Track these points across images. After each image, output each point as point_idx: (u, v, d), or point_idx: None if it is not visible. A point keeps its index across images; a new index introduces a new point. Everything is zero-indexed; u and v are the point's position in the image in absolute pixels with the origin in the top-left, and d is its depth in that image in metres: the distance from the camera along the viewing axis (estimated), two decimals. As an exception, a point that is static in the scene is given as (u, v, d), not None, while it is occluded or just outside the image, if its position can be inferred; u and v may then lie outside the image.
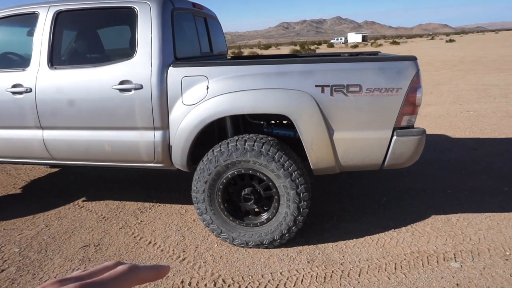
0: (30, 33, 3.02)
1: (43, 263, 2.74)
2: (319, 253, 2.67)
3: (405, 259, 2.53)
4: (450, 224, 2.97)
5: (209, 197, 2.71)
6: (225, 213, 2.73)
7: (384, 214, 3.19)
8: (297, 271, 2.49)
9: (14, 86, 2.96)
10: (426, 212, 3.18)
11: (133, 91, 2.72)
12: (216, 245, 2.86)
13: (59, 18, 2.92)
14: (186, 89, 2.65)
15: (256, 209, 2.76)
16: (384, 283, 2.31)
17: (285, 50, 53.71)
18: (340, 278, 2.38)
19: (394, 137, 2.47)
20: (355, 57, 2.44)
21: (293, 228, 2.65)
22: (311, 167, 2.62)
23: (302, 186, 2.55)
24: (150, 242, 2.97)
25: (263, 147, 2.53)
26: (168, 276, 2.51)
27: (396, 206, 3.33)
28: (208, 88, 2.59)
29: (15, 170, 4.96)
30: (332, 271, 2.46)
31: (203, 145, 3.09)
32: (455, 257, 2.52)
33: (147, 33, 2.72)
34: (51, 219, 3.49)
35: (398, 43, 56.82)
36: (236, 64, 2.57)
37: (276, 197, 2.63)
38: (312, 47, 54.24)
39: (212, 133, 3.10)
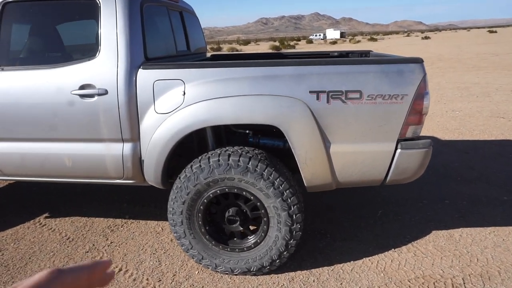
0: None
1: (-10, 302, 2.32)
2: (313, 281, 2.36)
3: (410, 287, 2.26)
4: (454, 242, 2.72)
5: (188, 219, 2.35)
6: (207, 237, 2.38)
7: (382, 231, 2.92)
8: (290, 304, 2.17)
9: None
10: (427, 227, 2.93)
11: (96, 97, 2.32)
12: (197, 272, 2.51)
13: (6, 11, 2.47)
14: (159, 95, 2.27)
15: (242, 230, 2.42)
16: (390, 317, 2.02)
17: (265, 45, 53.40)
18: (340, 313, 2.08)
19: (398, 150, 2.18)
20: (355, 59, 2.13)
21: (285, 253, 2.33)
22: (305, 184, 2.30)
23: (295, 206, 2.23)
24: (120, 269, 2.58)
25: (250, 162, 2.19)
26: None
27: (394, 220, 3.06)
28: (184, 94, 2.22)
29: (-32, 181, 4.43)
30: (330, 304, 2.15)
31: (182, 156, 2.72)
32: (464, 283, 2.27)
33: (112, 29, 2.32)
34: (6, 241, 3.04)
35: (376, 40, 57.47)
36: (217, 66, 2.21)
37: (265, 218, 2.30)
38: (291, 43, 54.15)
39: (191, 143, 2.74)
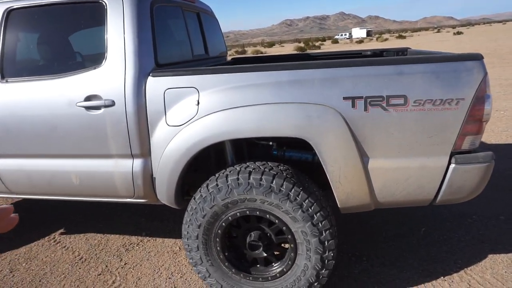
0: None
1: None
2: (350, 317, 2.03)
3: (468, 328, 1.88)
4: (516, 268, 2.31)
5: (204, 245, 2.08)
6: (226, 264, 2.10)
7: (427, 254, 2.53)
8: None
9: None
10: (481, 250, 2.52)
11: (102, 109, 2.10)
12: (215, 302, 2.23)
13: (10, 18, 2.30)
14: (170, 105, 2.02)
15: (266, 256, 2.13)
16: None
17: (289, 47, 52.91)
18: None
19: (452, 165, 1.81)
20: (397, 57, 1.79)
21: (316, 284, 2.01)
22: (338, 205, 1.97)
23: (327, 231, 1.91)
24: (133, 296, 2.35)
25: (274, 181, 1.89)
26: None
27: (440, 241, 2.67)
28: (198, 103, 1.96)
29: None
30: None
31: (198, 171, 2.45)
32: (537, 325, 1.87)
33: (119, 34, 2.09)
34: (18, 260, 2.89)
35: (404, 37, 55.67)
36: (235, 71, 1.93)
37: (292, 245, 1.99)
38: (317, 44, 53.37)
39: (208, 156, 2.47)
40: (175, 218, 3.37)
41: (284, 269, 2.05)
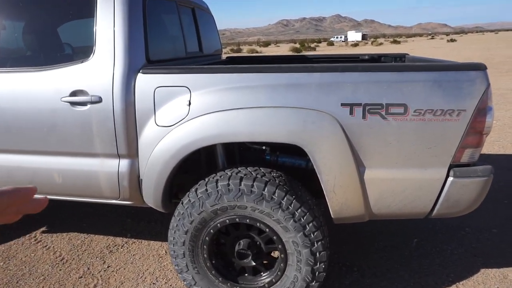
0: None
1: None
2: (339, 331, 1.96)
3: None
4: (508, 284, 2.26)
5: (191, 252, 1.99)
6: (213, 272, 2.02)
7: (419, 266, 2.48)
8: None
9: None
10: (474, 264, 2.47)
11: (89, 105, 1.99)
12: (200, 310, 2.14)
13: (-7, 5, 2.18)
14: (160, 105, 1.92)
15: (254, 265, 2.05)
16: None
17: (285, 47, 52.91)
18: None
19: (450, 178, 1.75)
20: (399, 64, 1.73)
21: (305, 296, 1.93)
22: (331, 215, 1.90)
23: (319, 243, 1.84)
24: (115, 302, 2.25)
25: (266, 188, 1.81)
26: None
27: (433, 253, 2.62)
28: (190, 104, 1.87)
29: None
30: None
31: (188, 173, 2.36)
32: None
33: (109, 26, 1.99)
34: (-4, 259, 2.76)
35: (399, 42, 56.04)
36: (230, 71, 1.84)
37: (282, 255, 1.91)
38: (312, 45, 53.45)
39: (199, 158, 2.37)
40: (162, 220, 3.27)
41: (273, 280, 1.97)
